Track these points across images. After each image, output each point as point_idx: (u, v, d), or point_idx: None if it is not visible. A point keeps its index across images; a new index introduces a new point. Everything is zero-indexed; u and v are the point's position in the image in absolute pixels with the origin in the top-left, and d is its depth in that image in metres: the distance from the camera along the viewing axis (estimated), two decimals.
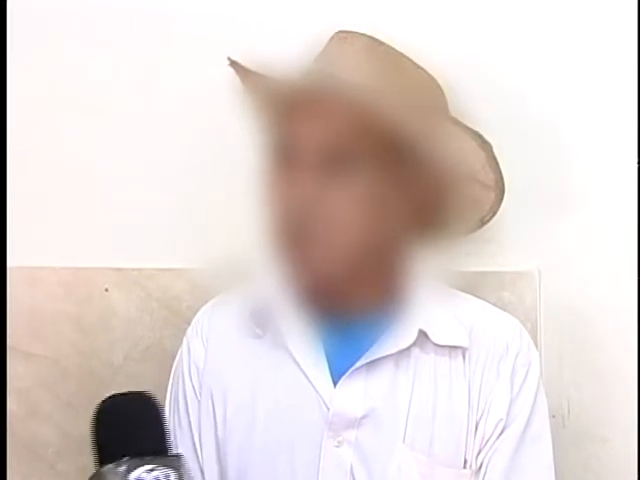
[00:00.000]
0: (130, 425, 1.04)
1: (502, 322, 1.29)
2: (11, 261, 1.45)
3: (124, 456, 0.99)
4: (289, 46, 1.40)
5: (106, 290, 1.53)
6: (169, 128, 1.51)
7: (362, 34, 1.25)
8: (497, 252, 1.46)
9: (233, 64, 1.23)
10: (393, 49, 1.25)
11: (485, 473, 1.22)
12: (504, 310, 1.32)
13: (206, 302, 1.36)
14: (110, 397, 1.07)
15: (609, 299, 1.46)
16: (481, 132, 1.25)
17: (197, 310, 1.36)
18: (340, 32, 1.26)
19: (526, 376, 1.25)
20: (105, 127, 1.53)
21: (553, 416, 1.45)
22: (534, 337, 1.42)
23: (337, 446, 1.21)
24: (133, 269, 1.53)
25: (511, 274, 1.47)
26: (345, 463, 1.21)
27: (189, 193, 1.52)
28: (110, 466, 0.99)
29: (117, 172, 1.53)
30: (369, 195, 1.19)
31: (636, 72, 1.42)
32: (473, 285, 1.41)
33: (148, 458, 1.00)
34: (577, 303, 1.47)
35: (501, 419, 1.22)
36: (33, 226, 1.53)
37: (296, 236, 1.19)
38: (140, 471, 0.99)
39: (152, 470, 0.99)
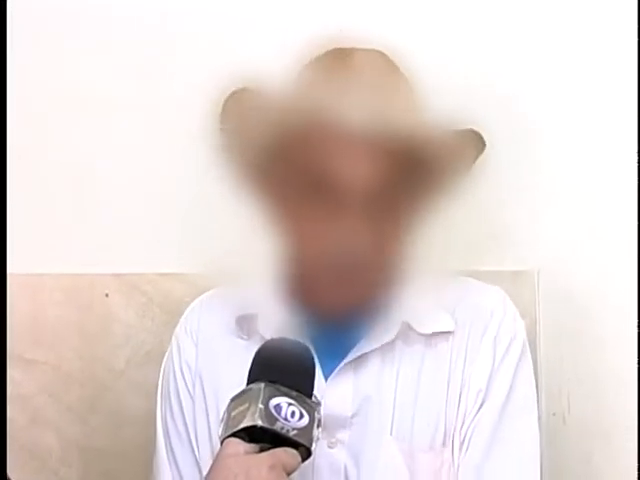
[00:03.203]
0: (289, 361, 1.11)
1: (486, 294, 1.28)
2: (11, 268, 1.46)
3: (276, 382, 1.07)
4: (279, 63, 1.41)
5: (107, 295, 1.53)
6: (168, 133, 1.51)
7: (379, 52, 1.22)
8: (496, 251, 1.47)
9: (243, 92, 1.20)
10: (394, 63, 1.23)
11: (468, 447, 1.21)
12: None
13: None
14: (276, 339, 1.16)
15: (608, 296, 1.46)
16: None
17: None
18: (356, 50, 1.22)
19: (509, 346, 1.23)
20: (104, 132, 1.53)
21: (553, 414, 1.46)
22: (533, 336, 1.43)
23: (331, 447, 1.21)
24: (133, 274, 1.53)
25: (510, 273, 1.47)
26: (339, 463, 1.21)
27: (189, 197, 1.52)
28: (261, 384, 1.07)
29: (116, 178, 1.53)
30: (405, 222, 1.20)
31: (636, 68, 1.42)
32: None
33: (294, 393, 1.07)
34: (576, 301, 1.47)
35: (480, 390, 1.21)
36: (32, 233, 1.53)
37: (338, 276, 1.18)
38: (282, 400, 1.06)
39: (291, 404, 1.06)
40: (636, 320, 1.41)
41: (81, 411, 1.53)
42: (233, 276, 1.33)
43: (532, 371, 1.26)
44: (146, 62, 1.51)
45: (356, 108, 1.15)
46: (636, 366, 1.41)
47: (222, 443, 1.08)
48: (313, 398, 1.10)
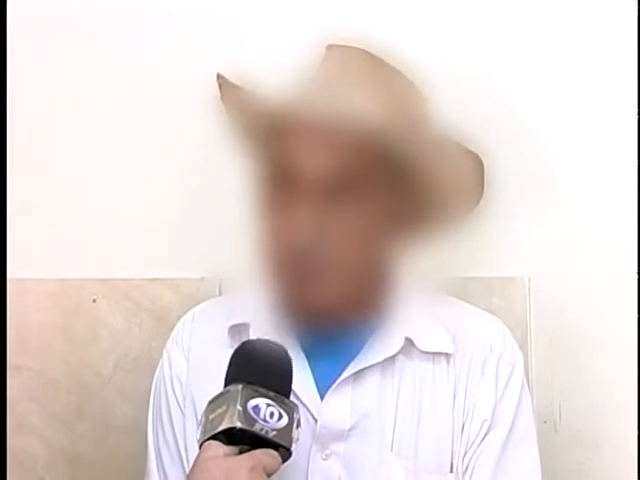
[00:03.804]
0: (266, 363, 1.10)
1: (485, 324, 1.28)
2: None
3: (254, 383, 1.07)
4: (278, 59, 1.41)
5: (94, 301, 1.52)
6: (160, 137, 1.50)
7: (358, 49, 1.22)
8: (487, 258, 1.46)
9: (221, 79, 1.21)
10: (383, 61, 1.23)
11: (471, 476, 1.20)
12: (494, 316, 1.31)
13: None
14: (253, 340, 1.16)
15: (599, 304, 1.46)
16: (470, 138, 1.25)
17: None
18: (334, 47, 1.23)
19: (510, 377, 1.23)
20: (93, 138, 1.52)
21: (544, 422, 1.45)
22: (524, 343, 1.43)
23: (325, 459, 1.19)
24: (121, 280, 1.52)
25: (501, 280, 1.47)
26: (333, 476, 1.19)
27: (177, 203, 1.51)
28: (238, 385, 1.07)
29: (105, 182, 1.52)
30: (371, 221, 1.18)
31: (636, 69, 1.42)
32: (463, 291, 1.40)
33: (272, 394, 1.07)
34: (567, 309, 1.46)
35: (485, 420, 1.21)
36: (20, 237, 1.52)
37: (296, 269, 1.17)
38: (261, 401, 1.06)
39: (269, 405, 1.06)
40: (630, 326, 1.41)
41: (67, 418, 1.52)
42: (223, 282, 1.32)
43: (530, 401, 1.25)
44: (145, 63, 1.51)
45: (315, 100, 1.16)
46: (628, 373, 1.41)
47: (200, 447, 1.07)
48: (291, 399, 1.09)
